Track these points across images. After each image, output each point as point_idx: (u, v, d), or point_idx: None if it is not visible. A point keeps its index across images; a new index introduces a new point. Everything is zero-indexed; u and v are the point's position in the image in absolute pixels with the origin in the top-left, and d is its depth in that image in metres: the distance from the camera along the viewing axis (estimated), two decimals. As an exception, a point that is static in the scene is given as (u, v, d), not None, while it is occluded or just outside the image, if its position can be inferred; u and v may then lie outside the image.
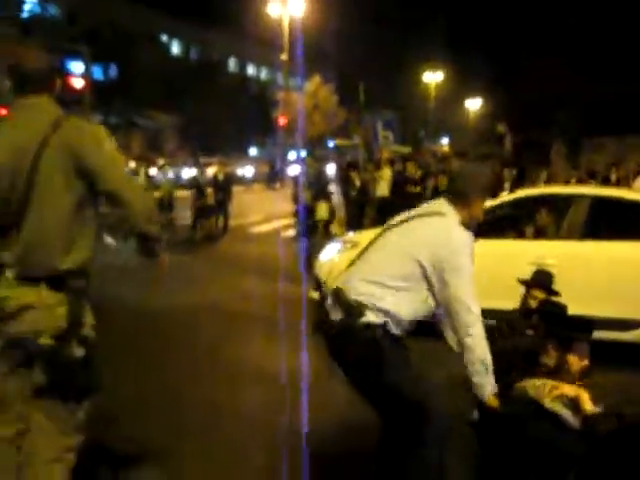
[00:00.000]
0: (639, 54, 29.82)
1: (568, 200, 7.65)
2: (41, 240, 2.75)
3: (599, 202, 7.40)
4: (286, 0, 37.44)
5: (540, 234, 7.82)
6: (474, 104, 62.49)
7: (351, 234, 9.66)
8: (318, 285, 8.17)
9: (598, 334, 4.39)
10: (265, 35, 44.16)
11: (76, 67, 28.99)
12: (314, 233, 13.30)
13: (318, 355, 4.54)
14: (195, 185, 16.60)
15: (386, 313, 3.23)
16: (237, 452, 4.31)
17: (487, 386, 3.28)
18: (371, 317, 3.20)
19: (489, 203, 7.68)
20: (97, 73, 44.36)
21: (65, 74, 30.43)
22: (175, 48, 59.21)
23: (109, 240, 6.98)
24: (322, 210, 12.76)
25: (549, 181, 16.97)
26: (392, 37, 54.82)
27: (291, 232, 16.00)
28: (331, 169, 39.41)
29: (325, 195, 13.17)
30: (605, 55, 31.15)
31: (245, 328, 7.67)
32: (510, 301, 5.62)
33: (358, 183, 15.82)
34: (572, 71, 32.21)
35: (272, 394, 5.33)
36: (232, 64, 64.87)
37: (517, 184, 15.90)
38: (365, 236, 8.55)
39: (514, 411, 3.50)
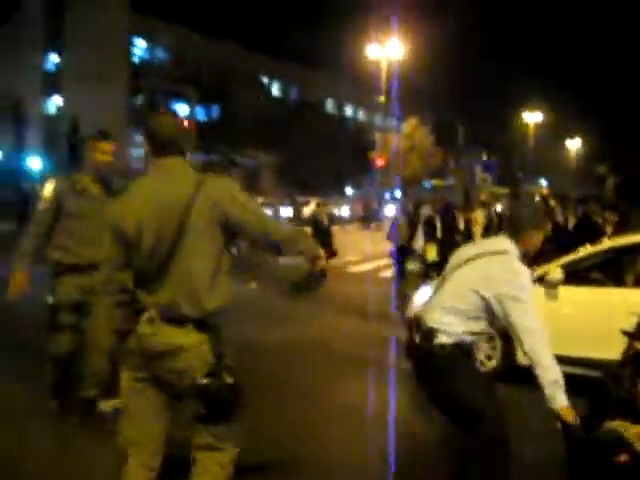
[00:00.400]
0: None
1: None
2: (191, 286, 3.04)
3: None
4: (385, 43, 37.80)
5: (638, 282, 7.41)
6: (573, 144, 61.32)
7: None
8: (410, 327, 8.06)
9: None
10: (363, 77, 44.77)
11: (181, 109, 30.00)
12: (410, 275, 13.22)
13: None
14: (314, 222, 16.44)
15: (457, 335, 3.79)
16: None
17: (558, 397, 3.56)
18: (443, 339, 3.78)
19: (590, 250, 7.56)
20: (200, 114, 45.97)
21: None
22: (275, 89, 60.71)
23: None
24: (432, 252, 12.65)
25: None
26: (490, 79, 54.57)
27: (388, 273, 15.93)
28: (426, 210, 39.27)
29: (434, 237, 13.05)
30: None
31: (343, 367, 7.72)
32: (611, 351, 5.35)
33: (462, 225, 15.60)
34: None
35: (374, 430, 5.45)
36: (330, 105, 65.95)
37: (619, 228, 15.36)
38: None
39: (601, 437, 3.67)
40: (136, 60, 48.38)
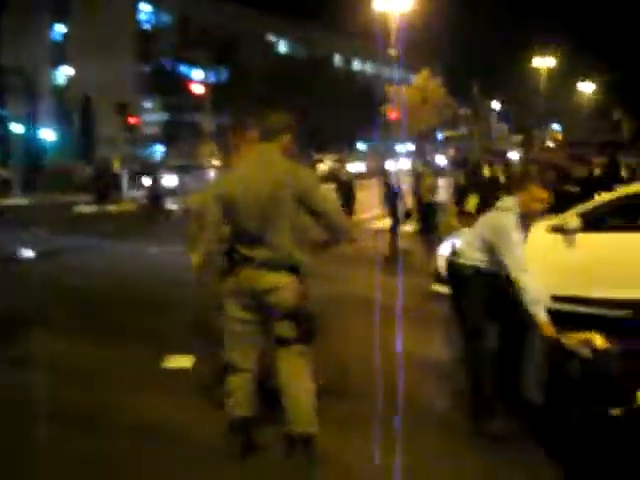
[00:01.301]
0: None
1: None
2: (284, 244, 4.14)
3: None
4: (392, -5, 37.42)
5: None
6: (586, 88, 60.65)
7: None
8: (439, 278, 8.30)
9: None
10: (369, 31, 44.36)
11: (196, 74, 30.11)
12: (433, 229, 13.40)
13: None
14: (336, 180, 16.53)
15: (472, 260, 5.00)
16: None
17: (540, 314, 4.63)
18: (462, 260, 5.07)
19: (605, 198, 7.86)
20: (209, 77, 45.86)
21: (187, 81, 31.83)
22: (282, 47, 60.34)
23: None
24: (473, 202, 12.65)
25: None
26: (500, 24, 53.90)
27: (408, 227, 16.04)
28: (441, 161, 39.37)
29: (476, 187, 13.08)
30: None
31: (388, 317, 8.05)
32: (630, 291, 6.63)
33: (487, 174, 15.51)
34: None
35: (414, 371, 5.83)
36: (337, 60, 65.52)
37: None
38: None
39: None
40: (143, 26, 48.16)
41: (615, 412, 4.37)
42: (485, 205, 8.14)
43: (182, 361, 6.32)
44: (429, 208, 14.48)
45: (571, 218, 7.29)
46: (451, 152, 44.65)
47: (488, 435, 4.77)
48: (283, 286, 4.19)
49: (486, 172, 15.82)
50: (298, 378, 4.30)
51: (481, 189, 12.98)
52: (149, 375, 6.02)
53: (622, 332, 5.09)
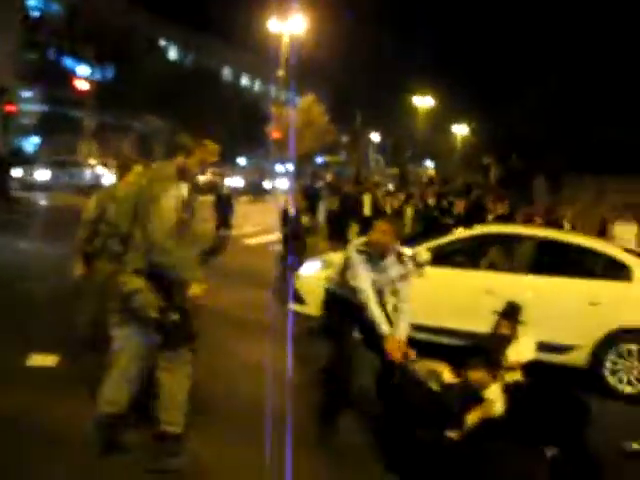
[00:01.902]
0: (625, 102, 30.91)
1: (517, 238, 8.86)
2: (151, 246, 4.39)
3: (543, 242, 8.63)
4: (287, 18, 38.22)
5: (492, 266, 8.89)
6: (461, 130, 63.71)
7: (330, 254, 10.38)
8: (298, 298, 8.93)
9: (538, 356, 6.46)
10: (261, 48, 44.94)
11: (81, 69, 29.49)
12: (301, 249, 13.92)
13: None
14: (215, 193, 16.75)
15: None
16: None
17: (381, 326, 5.35)
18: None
19: (454, 236, 9.04)
20: (95, 73, 44.85)
21: (71, 75, 31.06)
22: (172, 53, 59.82)
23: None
24: (354, 230, 13.29)
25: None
26: (386, 62, 55.88)
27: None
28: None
29: (356, 216, 13.66)
30: (591, 97, 32.26)
31: (242, 331, 8.55)
32: (467, 321, 7.84)
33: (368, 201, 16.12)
34: (559, 110, 33.27)
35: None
36: (227, 73, 65.62)
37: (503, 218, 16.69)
38: (339, 257, 9.44)
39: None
40: (33, 14, 46.51)
41: (452, 434, 5.03)
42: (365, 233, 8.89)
43: (47, 360, 6.50)
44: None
45: (422, 252, 8.26)
46: (329, 177, 45.67)
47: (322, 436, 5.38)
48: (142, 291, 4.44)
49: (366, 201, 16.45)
50: (170, 381, 4.55)
51: (361, 219, 13.74)
52: (12, 373, 6.13)
53: (463, 360, 5.75)
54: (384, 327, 5.39)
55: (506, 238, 9.16)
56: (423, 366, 5.47)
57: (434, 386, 5.25)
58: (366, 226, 13.00)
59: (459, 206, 16.12)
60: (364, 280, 5.48)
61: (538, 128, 33.85)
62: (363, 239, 5.76)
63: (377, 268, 5.60)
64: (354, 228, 13.70)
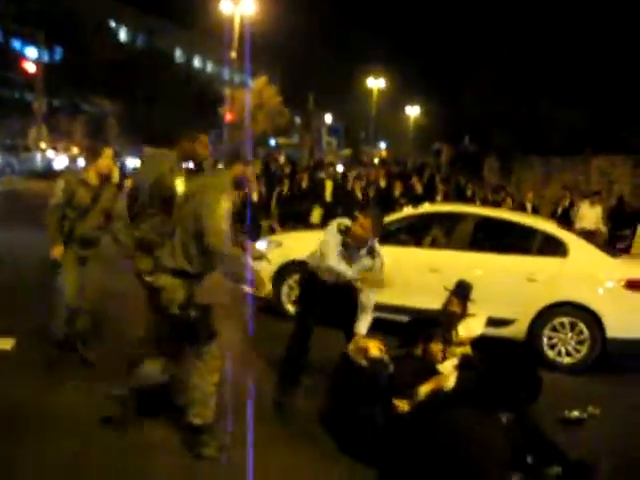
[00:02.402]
0: (572, 81, 31.56)
1: (458, 217, 9.17)
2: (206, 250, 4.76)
3: (482, 220, 9.02)
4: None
5: (434, 244, 9.38)
6: (413, 111, 64.24)
7: (278, 235, 10.67)
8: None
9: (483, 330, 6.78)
10: (213, 30, 44.59)
11: (30, 51, 28.99)
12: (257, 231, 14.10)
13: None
14: None
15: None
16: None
17: (347, 273, 5.67)
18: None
19: (400, 215, 9.41)
20: (44, 55, 44.06)
21: (19, 58, 30.47)
22: (122, 35, 59.01)
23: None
24: (317, 215, 13.50)
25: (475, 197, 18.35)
26: (339, 42, 56.01)
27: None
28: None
29: (320, 199, 13.85)
30: (540, 78, 32.87)
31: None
32: (410, 297, 8.38)
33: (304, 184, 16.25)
34: (509, 91, 33.82)
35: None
36: (178, 55, 65.00)
37: (452, 197, 17.21)
38: (289, 237, 9.72)
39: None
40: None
41: (402, 406, 5.27)
42: (329, 217, 9.21)
43: (2, 343, 6.60)
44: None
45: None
46: (282, 159, 45.78)
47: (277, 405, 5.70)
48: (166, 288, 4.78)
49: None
50: (196, 376, 4.83)
51: (324, 203, 13.98)
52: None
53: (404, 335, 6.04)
54: (350, 273, 5.65)
55: (448, 216, 9.54)
56: (353, 343, 5.70)
57: (362, 362, 5.45)
58: (328, 210, 13.39)
59: (417, 186, 16.55)
60: (334, 261, 5.64)
61: (488, 109, 34.40)
62: (346, 221, 5.85)
63: (351, 256, 5.75)
64: (317, 211, 13.98)
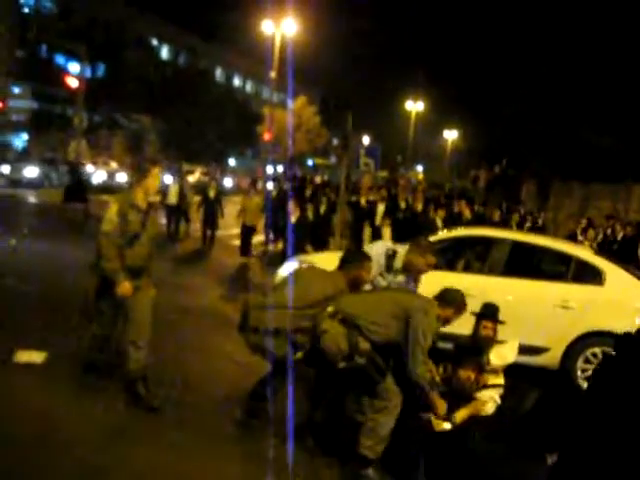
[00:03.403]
0: (613, 109, 31.17)
1: (492, 241, 8.91)
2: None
3: (517, 246, 8.73)
4: (279, 19, 38.30)
5: (467, 268, 9.12)
6: (451, 135, 63.91)
7: (309, 255, 10.59)
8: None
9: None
10: (253, 49, 45.06)
11: (72, 67, 29.41)
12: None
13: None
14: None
15: None
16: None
17: None
18: None
19: (435, 238, 9.00)
20: (86, 71, 44.75)
21: (62, 73, 30.89)
22: (164, 53, 59.85)
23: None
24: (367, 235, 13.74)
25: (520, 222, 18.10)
26: (379, 66, 56.15)
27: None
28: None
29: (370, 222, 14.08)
30: (580, 104, 32.52)
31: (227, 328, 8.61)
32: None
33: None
34: (548, 116, 33.50)
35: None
36: (219, 74, 65.68)
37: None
38: (320, 257, 9.56)
39: None
40: (23, 9, 46.42)
41: (442, 425, 5.18)
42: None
43: (34, 356, 6.45)
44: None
45: (399, 255, 8.32)
46: (318, 179, 45.85)
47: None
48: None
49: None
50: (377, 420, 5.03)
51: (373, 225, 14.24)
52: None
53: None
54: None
55: (481, 241, 9.31)
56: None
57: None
58: (376, 232, 13.83)
59: (465, 211, 16.31)
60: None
61: (526, 134, 34.10)
62: (392, 246, 6.10)
63: (391, 274, 5.94)
64: (367, 232, 14.43)
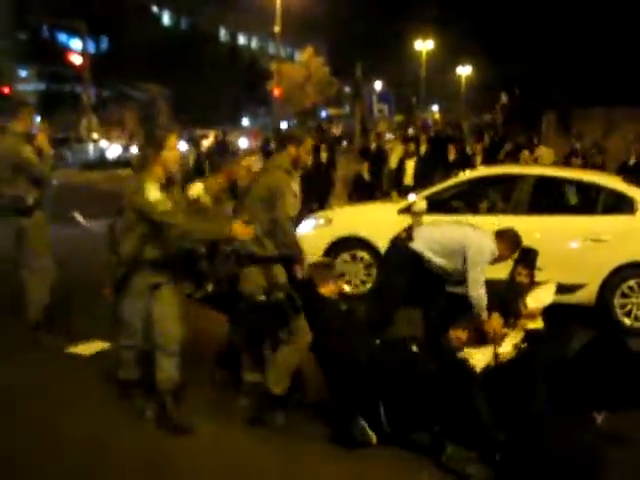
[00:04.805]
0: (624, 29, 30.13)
1: (515, 179, 8.49)
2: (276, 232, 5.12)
3: (541, 181, 8.32)
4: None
5: (491, 210, 8.69)
6: (465, 71, 62.66)
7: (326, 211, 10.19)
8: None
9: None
10: (255, 4, 44.23)
11: (74, 43, 29.11)
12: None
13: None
14: None
15: None
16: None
17: None
18: None
19: (449, 182, 8.75)
20: (89, 47, 44.38)
21: (65, 51, 30.63)
22: (165, 19, 59.08)
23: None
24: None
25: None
26: (384, 8, 54.93)
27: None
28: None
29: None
30: (590, 29, 31.47)
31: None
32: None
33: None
34: (562, 43, 32.54)
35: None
36: (222, 34, 64.77)
37: (510, 156, 16.47)
38: (338, 212, 9.27)
39: None
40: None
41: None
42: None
43: (87, 348, 6.37)
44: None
45: (418, 201, 8.02)
46: (335, 130, 45.30)
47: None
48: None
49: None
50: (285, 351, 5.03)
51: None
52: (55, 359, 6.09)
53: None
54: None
55: (504, 179, 8.92)
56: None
57: (343, 306, 5.35)
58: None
59: (477, 149, 15.89)
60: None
61: (543, 63, 33.16)
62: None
63: None
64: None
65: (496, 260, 5.95)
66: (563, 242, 7.86)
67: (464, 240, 5.88)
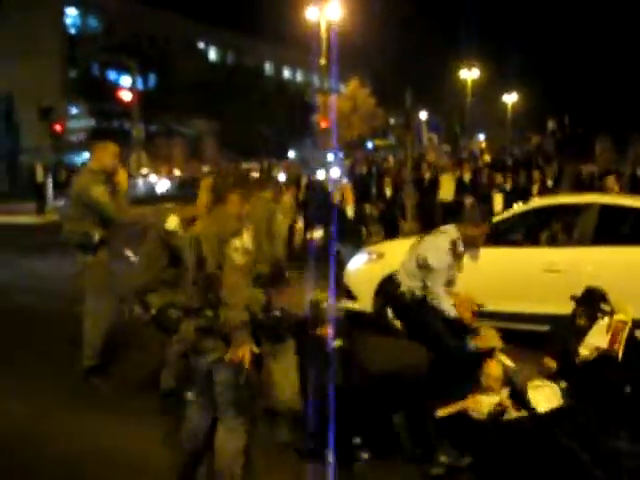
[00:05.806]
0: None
1: (577, 209, 7.92)
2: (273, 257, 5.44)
3: (606, 209, 7.58)
4: (323, 5, 37.58)
5: (553, 241, 8.24)
6: (510, 98, 62.11)
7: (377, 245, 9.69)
8: (348, 294, 8.25)
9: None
10: (299, 39, 44.47)
11: (124, 80, 29.50)
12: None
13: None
14: None
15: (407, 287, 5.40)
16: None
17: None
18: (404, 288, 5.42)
19: (509, 213, 8.21)
20: (138, 84, 45.10)
21: (115, 88, 31.08)
22: (212, 55, 59.88)
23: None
24: None
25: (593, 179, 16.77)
26: (428, 38, 54.91)
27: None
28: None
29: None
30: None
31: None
32: (521, 303, 7.17)
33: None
34: (613, 67, 31.99)
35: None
36: (268, 68, 65.40)
37: (557, 183, 15.99)
38: (389, 247, 8.75)
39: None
40: (71, 31, 47.11)
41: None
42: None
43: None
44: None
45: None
46: (391, 161, 45.04)
47: None
48: None
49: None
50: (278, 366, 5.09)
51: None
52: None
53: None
54: (453, 314, 5.29)
55: (564, 209, 8.42)
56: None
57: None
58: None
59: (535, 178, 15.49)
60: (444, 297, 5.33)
61: (595, 86, 32.58)
62: (453, 228, 5.41)
63: (454, 261, 5.35)
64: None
65: (467, 241, 5.33)
66: (632, 275, 7.07)
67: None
